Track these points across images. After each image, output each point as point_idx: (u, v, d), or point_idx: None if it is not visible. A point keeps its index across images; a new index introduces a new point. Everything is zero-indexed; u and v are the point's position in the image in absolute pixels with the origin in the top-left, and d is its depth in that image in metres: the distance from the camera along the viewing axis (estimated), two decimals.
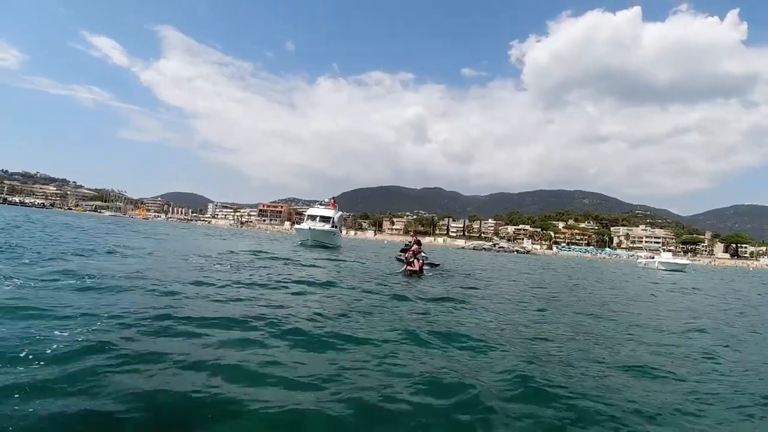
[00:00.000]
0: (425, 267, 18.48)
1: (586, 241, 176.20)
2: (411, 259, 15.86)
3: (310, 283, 10.58)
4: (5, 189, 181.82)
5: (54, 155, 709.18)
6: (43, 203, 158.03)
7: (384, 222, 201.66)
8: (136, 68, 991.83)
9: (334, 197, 43.18)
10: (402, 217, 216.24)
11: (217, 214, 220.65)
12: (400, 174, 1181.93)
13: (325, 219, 36.74)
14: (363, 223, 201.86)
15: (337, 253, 28.21)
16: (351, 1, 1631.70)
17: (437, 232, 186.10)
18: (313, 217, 37.21)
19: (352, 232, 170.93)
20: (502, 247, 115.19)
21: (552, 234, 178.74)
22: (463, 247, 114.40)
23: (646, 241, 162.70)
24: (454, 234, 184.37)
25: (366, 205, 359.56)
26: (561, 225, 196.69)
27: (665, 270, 45.35)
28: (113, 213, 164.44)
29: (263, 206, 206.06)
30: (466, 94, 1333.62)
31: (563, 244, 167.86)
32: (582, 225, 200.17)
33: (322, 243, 33.84)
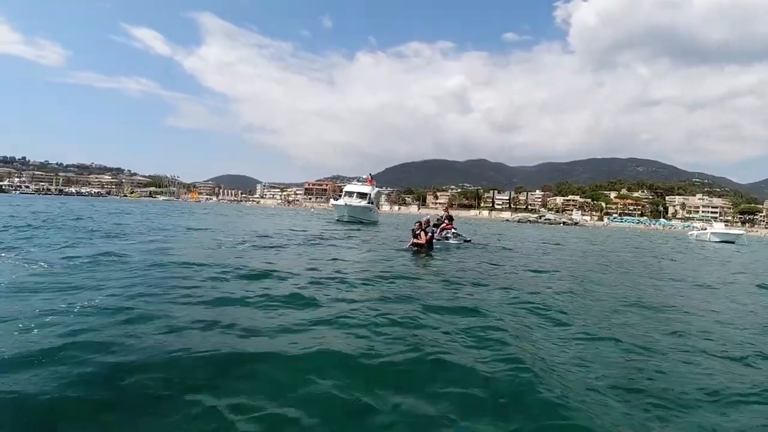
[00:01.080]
0: (454, 241, 18.34)
1: (639, 212, 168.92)
2: (418, 231, 14.30)
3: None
4: (60, 180, 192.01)
5: (108, 146, 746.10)
6: (99, 192, 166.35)
7: (428, 196, 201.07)
8: (179, 56, 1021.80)
9: (371, 174, 43.26)
10: (446, 190, 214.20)
11: (265, 194, 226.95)
12: (443, 147, 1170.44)
13: (361, 195, 37.14)
14: (407, 198, 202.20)
15: (371, 228, 28.34)
16: None
17: (482, 205, 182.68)
18: (350, 194, 37.74)
19: (396, 207, 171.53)
20: (548, 219, 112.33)
21: (603, 204, 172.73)
22: (507, 220, 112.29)
23: (702, 211, 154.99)
24: (500, 207, 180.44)
25: (410, 180, 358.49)
26: (613, 195, 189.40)
27: (718, 241, 43.16)
28: (167, 198, 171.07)
29: (309, 185, 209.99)
30: (509, 60, 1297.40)
31: (615, 215, 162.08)
32: (635, 194, 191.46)
33: (358, 219, 34.23)
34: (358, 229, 25.58)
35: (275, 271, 8.35)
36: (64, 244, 10.80)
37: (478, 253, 15.42)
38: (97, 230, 15.63)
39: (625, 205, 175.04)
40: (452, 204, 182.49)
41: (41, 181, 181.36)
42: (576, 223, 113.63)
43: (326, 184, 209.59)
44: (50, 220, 19.29)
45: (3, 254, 8.48)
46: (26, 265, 7.51)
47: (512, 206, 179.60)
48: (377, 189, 41.83)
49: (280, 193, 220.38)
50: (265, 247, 13.12)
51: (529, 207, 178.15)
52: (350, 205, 34.57)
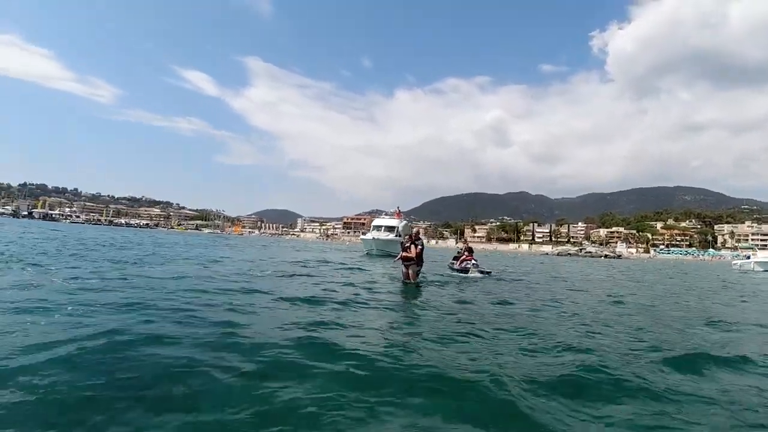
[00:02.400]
0: (474, 273, 18.19)
1: (687, 242, 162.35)
2: (407, 244, 12.87)
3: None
4: (111, 212, 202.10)
5: (158, 180, 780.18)
6: (147, 224, 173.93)
7: (465, 230, 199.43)
8: (227, 97, 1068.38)
9: (399, 208, 43.89)
10: (485, 224, 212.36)
11: (305, 228, 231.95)
12: (483, 180, 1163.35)
13: (389, 228, 37.95)
14: (444, 232, 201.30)
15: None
16: (419, 10, 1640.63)
17: (522, 238, 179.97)
18: (378, 227, 38.72)
19: (434, 241, 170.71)
20: (589, 252, 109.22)
21: (649, 236, 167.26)
22: (546, 253, 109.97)
23: (752, 239, 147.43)
24: (540, 240, 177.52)
25: (449, 214, 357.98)
26: (659, 225, 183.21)
27: (763, 270, 40.58)
28: (212, 230, 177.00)
29: (347, 219, 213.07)
30: (547, 92, 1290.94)
31: (662, 246, 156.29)
32: (682, 224, 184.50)
33: (386, 252, 34.60)
34: (373, 262, 25.82)
35: (266, 292, 9.15)
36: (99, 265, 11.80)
37: (487, 285, 14.65)
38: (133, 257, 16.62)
39: (672, 235, 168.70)
40: (491, 238, 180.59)
41: (92, 212, 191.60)
42: (619, 256, 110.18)
43: (364, 218, 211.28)
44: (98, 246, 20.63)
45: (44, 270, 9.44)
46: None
47: (553, 239, 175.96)
48: (405, 222, 42.26)
49: (319, 227, 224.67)
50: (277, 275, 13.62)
51: (571, 240, 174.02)
52: (377, 239, 35.39)
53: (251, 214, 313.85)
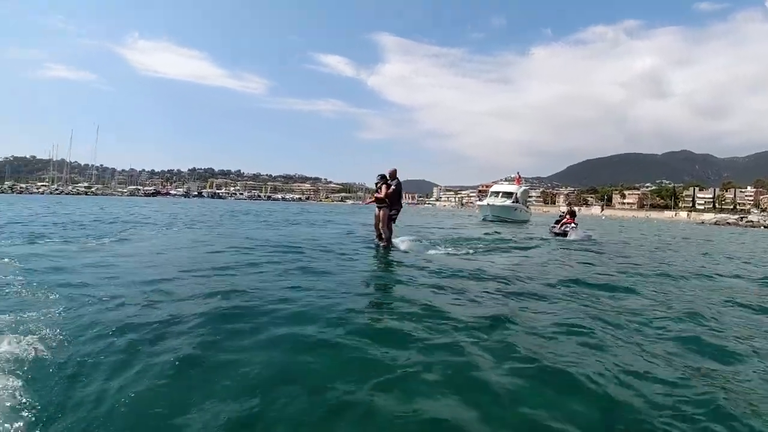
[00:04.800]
0: (572, 236, 17.75)
1: None
2: (379, 185, 11.41)
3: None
4: (268, 189, 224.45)
5: (308, 159, 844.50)
6: (300, 197, 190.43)
7: (613, 196, 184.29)
8: (363, 76, 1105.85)
9: (519, 173, 43.46)
10: (637, 188, 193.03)
11: (441, 197, 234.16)
12: (635, 139, 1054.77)
13: (507, 194, 37.70)
14: (589, 198, 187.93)
15: (508, 227, 27.58)
16: None
17: (681, 205, 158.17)
18: (495, 193, 38.70)
19: (576, 209, 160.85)
20: (750, 222, 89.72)
21: None
22: (702, 222, 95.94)
23: None
24: (702, 207, 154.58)
25: (597, 178, 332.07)
26: None
27: None
28: (354, 202, 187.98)
29: (483, 187, 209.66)
30: (706, 33, 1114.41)
31: None
32: None
33: (501, 218, 34.61)
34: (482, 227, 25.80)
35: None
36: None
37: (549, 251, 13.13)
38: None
39: None
40: (644, 204, 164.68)
41: (253, 189, 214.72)
42: None
43: None
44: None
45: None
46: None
47: (716, 206, 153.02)
48: (524, 188, 41.79)
49: (454, 196, 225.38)
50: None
51: (737, 206, 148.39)
52: (493, 205, 35.62)
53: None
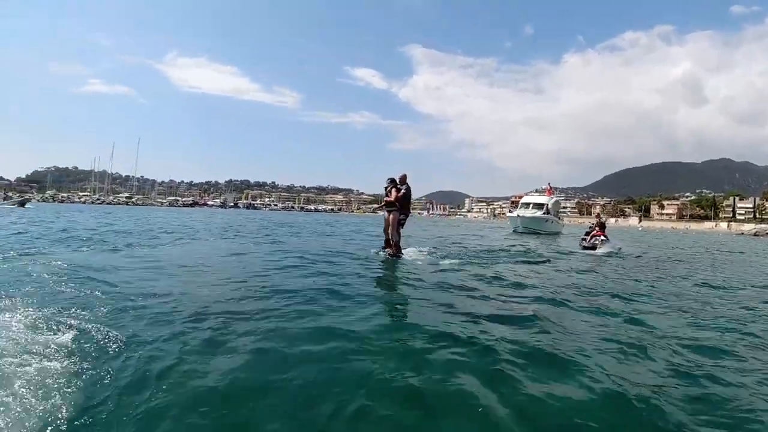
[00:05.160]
0: (601, 249, 17.56)
1: None
2: (389, 189, 11.52)
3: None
4: (302, 200, 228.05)
5: (341, 170, 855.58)
6: (332, 209, 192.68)
7: (651, 206, 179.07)
8: (394, 88, 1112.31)
9: (549, 184, 42.69)
10: (676, 198, 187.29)
11: (472, 208, 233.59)
12: (674, 147, 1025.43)
13: (538, 206, 37.24)
14: (626, 209, 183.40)
15: (539, 239, 27.15)
16: None
17: (721, 215, 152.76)
18: (526, 205, 38.35)
19: (613, 220, 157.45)
20: None
21: None
22: (742, 233, 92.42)
23: None
24: (742, 217, 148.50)
25: (635, 188, 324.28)
26: None
27: None
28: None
29: (515, 198, 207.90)
30: (742, 37, 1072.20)
31: None
32: None
33: (532, 230, 34.30)
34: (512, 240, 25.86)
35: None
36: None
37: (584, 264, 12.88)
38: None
39: None
40: (683, 215, 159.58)
41: (287, 200, 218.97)
42: None
43: None
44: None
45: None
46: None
47: (757, 216, 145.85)
48: (555, 199, 41.12)
49: (486, 207, 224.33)
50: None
51: None
52: (523, 216, 35.16)
53: (421, 197, 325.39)
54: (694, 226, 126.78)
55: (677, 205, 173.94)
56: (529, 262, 12.15)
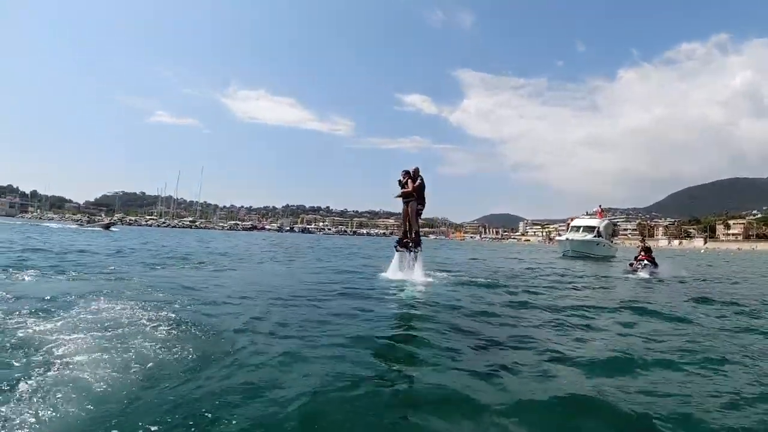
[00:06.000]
0: (643, 273, 17.66)
1: None
2: (405, 180, 11.90)
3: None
4: (354, 224, 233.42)
5: (392, 195, 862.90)
6: (384, 233, 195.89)
7: (717, 226, 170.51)
8: (445, 113, 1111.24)
9: (600, 206, 42.81)
10: (743, 217, 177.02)
11: (527, 231, 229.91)
12: (740, 161, 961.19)
13: (588, 228, 36.83)
14: (691, 230, 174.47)
15: (595, 263, 26.89)
16: None
17: None
18: (576, 228, 38.05)
19: (677, 242, 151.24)
20: None
21: None
22: None
23: None
24: None
25: (701, 207, 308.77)
26: None
27: None
28: (437, 236, 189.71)
29: (571, 220, 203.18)
30: None
31: None
32: None
33: (582, 253, 34.00)
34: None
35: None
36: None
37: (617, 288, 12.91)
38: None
39: None
40: (750, 234, 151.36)
41: (341, 224, 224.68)
42: None
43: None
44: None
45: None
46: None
47: None
48: (607, 221, 40.47)
49: (541, 230, 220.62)
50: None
51: None
52: (572, 240, 34.96)
53: (474, 220, 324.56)
54: (761, 246, 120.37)
55: (743, 224, 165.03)
56: (553, 288, 11.72)
